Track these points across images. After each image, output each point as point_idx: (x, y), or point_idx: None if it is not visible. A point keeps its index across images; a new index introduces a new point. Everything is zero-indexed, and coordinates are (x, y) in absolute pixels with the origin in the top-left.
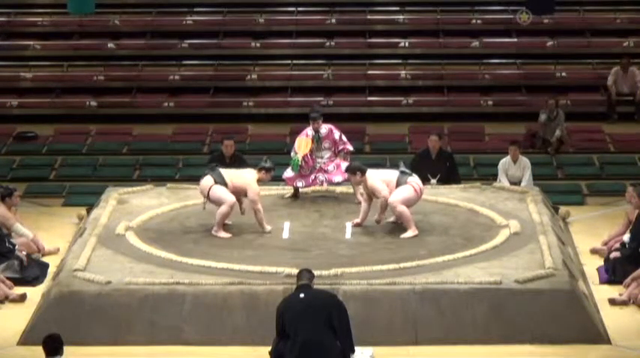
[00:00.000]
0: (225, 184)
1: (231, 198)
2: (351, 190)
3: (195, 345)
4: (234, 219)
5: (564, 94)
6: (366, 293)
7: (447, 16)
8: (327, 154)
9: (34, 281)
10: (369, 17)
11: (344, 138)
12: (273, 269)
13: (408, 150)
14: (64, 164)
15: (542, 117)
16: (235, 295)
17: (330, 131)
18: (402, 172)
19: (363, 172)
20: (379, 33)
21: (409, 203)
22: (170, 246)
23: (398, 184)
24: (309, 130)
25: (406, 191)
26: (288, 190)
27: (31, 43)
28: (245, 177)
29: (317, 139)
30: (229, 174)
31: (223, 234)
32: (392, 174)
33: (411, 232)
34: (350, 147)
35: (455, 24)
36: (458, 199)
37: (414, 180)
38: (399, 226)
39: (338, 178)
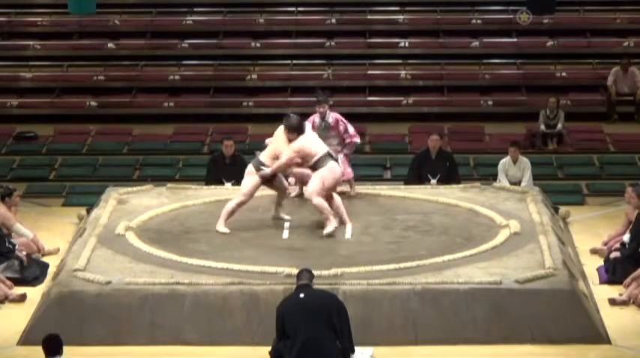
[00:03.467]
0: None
1: (240, 197)
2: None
3: (195, 345)
4: (241, 218)
5: (564, 94)
6: (366, 293)
7: (447, 16)
8: (334, 142)
9: (34, 281)
10: (369, 17)
11: (350, 129)
12: (273, 269)
13: (408, 150)
14: (64, 164)
15: (543, 116)
16: (235, 295)
17: (337, 122)
18: (329, 154)
19: (300, 132)
20: (379, 33)
21: (324, 192)
22: (170, 246)
23: (316, 164)
24: (316, 117)
25: (320, 180)
26: (291, 189)
27: (31, 43)
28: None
29: (323, 127)
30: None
31: (222, 229)
32: (320, 148)
33: (331, 226)
34: (357, 140)
35: (455, 24)
36: (458, 199)
37: (333, 166)
38: (398, 226)
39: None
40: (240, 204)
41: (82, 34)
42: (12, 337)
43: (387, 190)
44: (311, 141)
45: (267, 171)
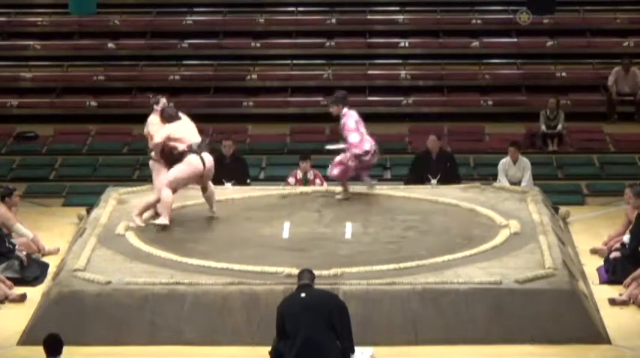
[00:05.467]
0: None
1: (156, 193)
2: (351, 190)
3: (195, 345)
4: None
5: (564, 94)
6: (366, 293)
7: (447, 16)
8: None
9: (34, 281)
10: (369, 17)
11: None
12: (273, 269)
13: (408, 150)
14: (64, 164)
15: (543, 116)
16: (235, 295)
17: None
18: (199, 146)
19: (171, 119)
20: (379, 33)
21: (179, 183)
22: (170, 246)
23: (181, 155)
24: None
25: (175, 172)
26: (288, 190)
27: (31, 43)
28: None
29: None
30: None
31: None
32: (191, 135)
33: (160, 221)
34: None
35: (455, 24)
36: (458, 199)
37: (191, 159)
38: (398, 226)
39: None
40: (157, 201)
41: (82, 34)
42: (12, 337)
43: (387, 190)
44: (184, 128)
45: (151, 154)
